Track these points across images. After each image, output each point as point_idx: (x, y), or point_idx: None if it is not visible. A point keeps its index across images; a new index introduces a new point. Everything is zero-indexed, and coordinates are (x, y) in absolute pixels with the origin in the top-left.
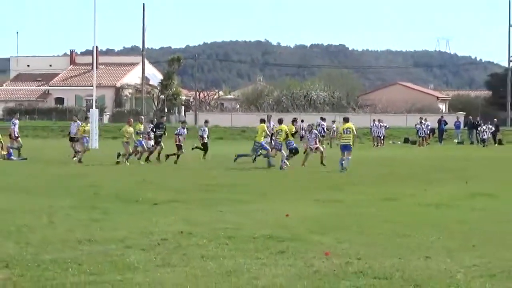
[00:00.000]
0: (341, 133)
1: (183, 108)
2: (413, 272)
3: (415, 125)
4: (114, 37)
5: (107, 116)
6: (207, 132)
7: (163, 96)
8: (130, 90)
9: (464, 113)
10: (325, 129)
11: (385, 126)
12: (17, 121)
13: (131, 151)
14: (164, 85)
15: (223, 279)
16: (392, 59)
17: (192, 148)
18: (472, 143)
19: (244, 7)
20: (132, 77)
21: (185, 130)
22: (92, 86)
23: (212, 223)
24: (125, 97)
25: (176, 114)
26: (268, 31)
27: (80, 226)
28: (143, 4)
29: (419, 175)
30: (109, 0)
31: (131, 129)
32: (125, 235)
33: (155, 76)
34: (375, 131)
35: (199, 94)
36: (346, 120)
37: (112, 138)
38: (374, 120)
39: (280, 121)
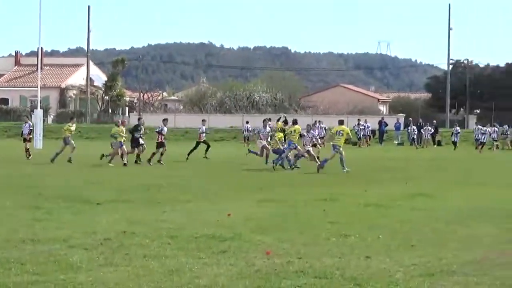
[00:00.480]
0: (333, 133)
1: (127, 109)
2: (353, 271)
3: (353, 126)
4: (59, 38)
5: (51, 116)
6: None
7: (107, 97)
8: (75, 91)
9: (404, 115)
10: (325, 130)
11: (325, 128)
12: None
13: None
14: (109, 86)
15: (166, 278)
16: (334, 61)
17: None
18: (411, 144)
19: (188, 9)
20: (77, 78)
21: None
22: (37, 87)
23: (155, 223)
24: (69, 98)
25: (120, 114)
26: (211, 33)
27: (24, 226)
28: (88, 6)
29: (359, 175)
30: (54, 2)
31: (122, 128)
32: (68, 234)
33: (99, 77)
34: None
35: (143, 95)
36: (340, 122)
37: (56, 139)
38: (316, 121)
39: (295, 122)
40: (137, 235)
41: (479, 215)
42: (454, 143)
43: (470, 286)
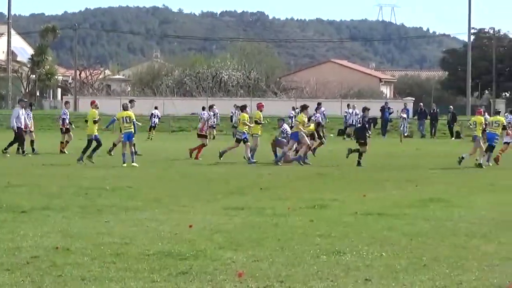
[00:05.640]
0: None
1: (59, 90)
2: None
3: (345, 112)
4: None
5: None
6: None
7: (34, 76)
8: None
9: (414, 99)
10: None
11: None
12: None
13: None
14: (36, 62)
15: None
16: (323, 30)
17: None
18: (423, 136)
19: None
20: None
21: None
22: None
23: (96, 237)
24: None
25: (51, 98)
26: None
27: None
28: None
29: (356, 176)
30: None
31: None
32: None
33: (24, 50)
34: None
35: (80, 73)
36: (497, 113)
37: None
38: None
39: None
40: (73, 252)
41: (509, 227)
42: None
43: None
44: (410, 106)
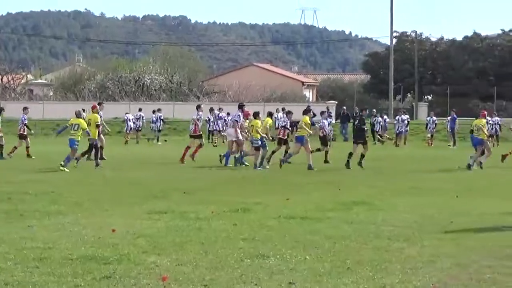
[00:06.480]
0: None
1: None
2: None
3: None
4: None
5: None
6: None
7: None
8: None
9: (336, 103)
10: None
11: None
12: None
13: None
14: None
15: None
16: (246, 34)
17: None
18: (346, 139)
19: None
20: None
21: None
22: None
23: (18, 241)
24: None
25: None
26: None
27: None
28: None
29: (279, 180)
30: None
31: None
32: None
33: None
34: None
35: (2, 78)
36: (483, 116)
37: None
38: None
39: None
40: None
41: (432, 230)
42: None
43: None
44: (333, 110)
